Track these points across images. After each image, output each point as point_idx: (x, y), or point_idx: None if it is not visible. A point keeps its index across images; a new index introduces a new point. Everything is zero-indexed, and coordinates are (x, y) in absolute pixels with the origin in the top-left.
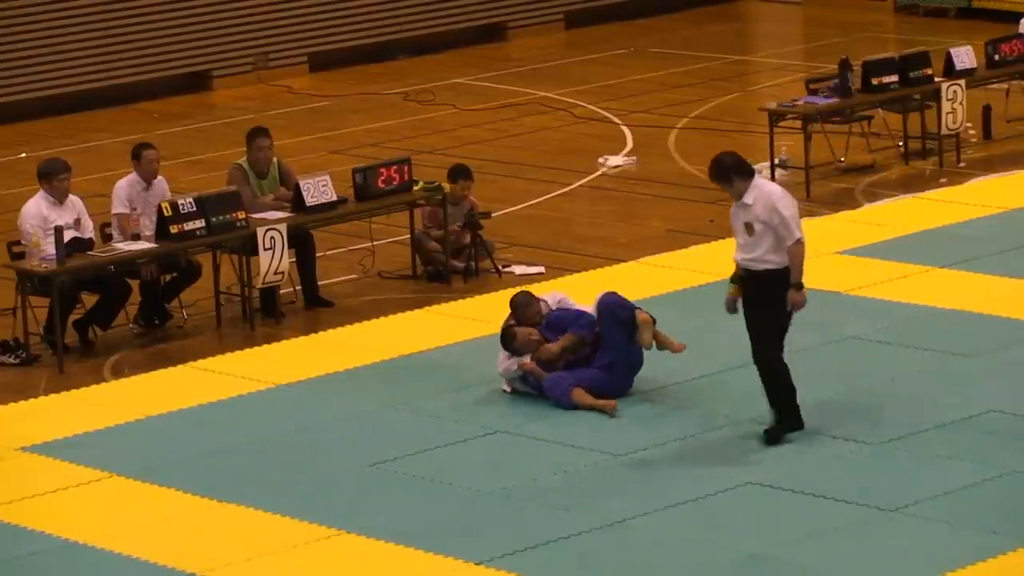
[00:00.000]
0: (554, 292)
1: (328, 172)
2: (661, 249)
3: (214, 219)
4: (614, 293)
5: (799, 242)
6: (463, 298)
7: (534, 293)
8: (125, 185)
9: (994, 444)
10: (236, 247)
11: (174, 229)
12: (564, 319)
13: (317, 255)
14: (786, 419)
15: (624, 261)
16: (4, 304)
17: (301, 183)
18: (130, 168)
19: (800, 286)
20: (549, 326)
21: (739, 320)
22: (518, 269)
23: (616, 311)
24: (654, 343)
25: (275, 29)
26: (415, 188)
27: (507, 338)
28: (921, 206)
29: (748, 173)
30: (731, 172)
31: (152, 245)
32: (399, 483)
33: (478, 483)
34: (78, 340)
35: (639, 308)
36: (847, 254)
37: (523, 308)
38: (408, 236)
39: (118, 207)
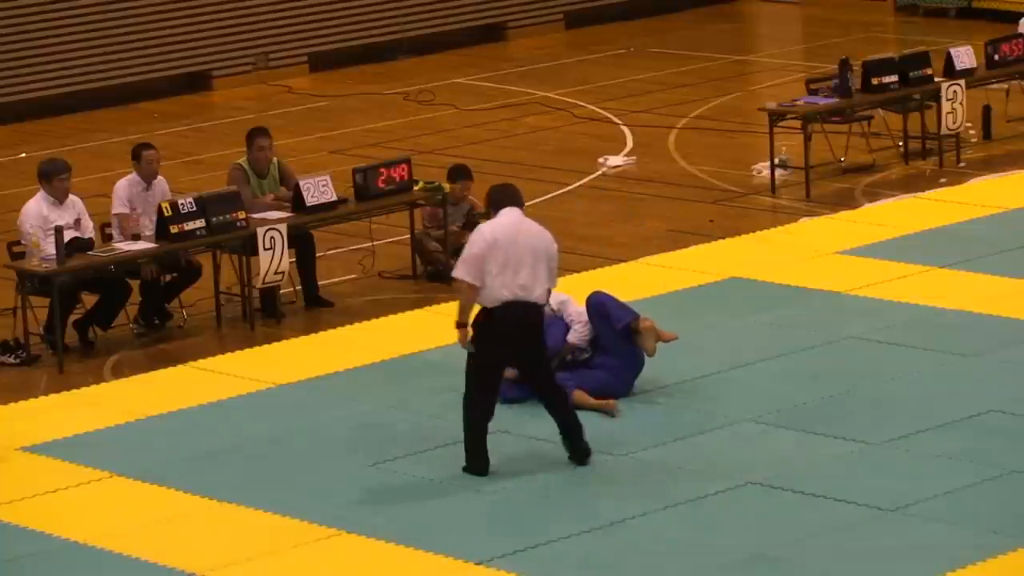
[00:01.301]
0: (556, 294)
1: (328, 172)
2: (661, 249)
3: (214, 219)
4: (603, 293)
5: (454, 280)
6: None
7: None
8: (125, 185)
9: (994, 444)
10: (236, 247)
11: (174, 229)
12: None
13: (317, 255)
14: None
15: (624, 261)
16: (4, 304)
17: (301, 183)
18: (130, 168)
19: (459, 324)
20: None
21: (739, 321)
22: None
23: (611, 313)
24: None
25: (275, 29)
26: (415, 188)
27: None
28: (921, 206)
29: (497, 206)
30: (488, 203)
31: (152, 245)
32: (399, 483)
33: (478, 483)
34: (78, 340)
35: (641, 315)
36: (847, 254)
37: None
38: (408, 236)
39: (118, 207)
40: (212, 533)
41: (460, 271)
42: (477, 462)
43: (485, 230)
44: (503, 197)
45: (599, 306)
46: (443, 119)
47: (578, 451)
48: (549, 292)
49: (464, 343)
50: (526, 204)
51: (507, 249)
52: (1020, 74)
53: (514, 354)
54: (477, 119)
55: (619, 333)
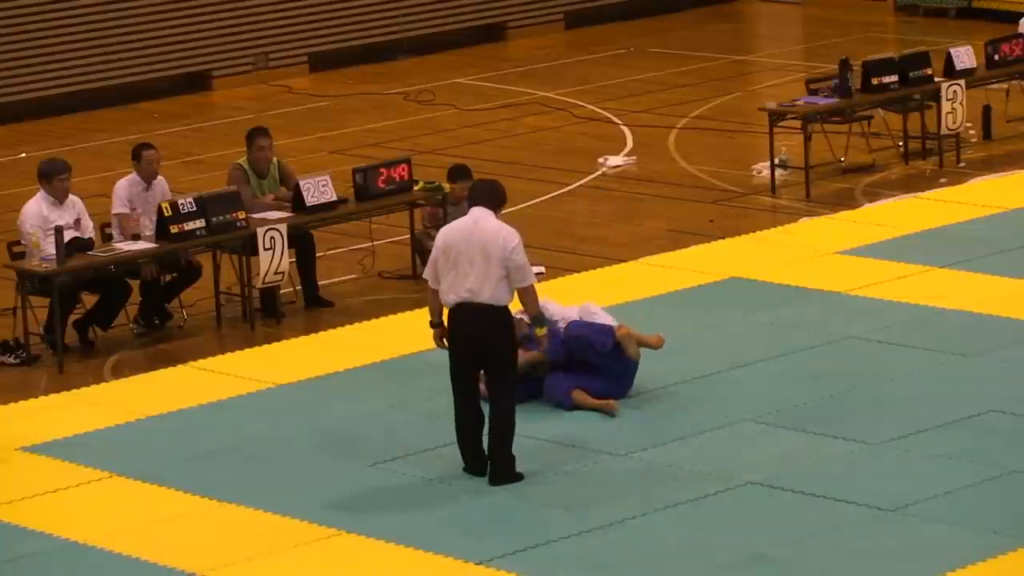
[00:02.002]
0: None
1: (328, 172)
2: (661, 249)
3: (214, 219)
4: (577, 324)
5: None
6: None
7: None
8: (125, 185)
9: (994, 444)
10: (236, 247)
11: (174, 229)
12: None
13: (317, 255)
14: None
15: (624, 261)
16: (4, 304)
17: (301, 183)
18: (130, 168)
19: (431, 324)
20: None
21: (739, 321)
22: None
23: (592, 341)
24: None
25: (275, 29)
26: (415, 188)
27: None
28: (921, 206)
29: (470, 204)
30: (467, 199)
31: (152, 245)
32: (399, 483)
33: (478, 483)
34: (78, 340)
35: (615, 326)
36: (847, 254)
37: None
38: (408, 236)
39: (118, 207)
40: (212, 533)
41: (425, 272)
42: (473, 462)
43: (441, 233)
44: (476, 195)
45: (578, 340)
46: (443, 119)
47: (493, 469)
48: (528, 291)
49: (437, 342)
50: (525, 204)
51: (458, 251)
52: (1020, 74)
53: (471, 357)
54: (477, 119)
55: (608, 353)
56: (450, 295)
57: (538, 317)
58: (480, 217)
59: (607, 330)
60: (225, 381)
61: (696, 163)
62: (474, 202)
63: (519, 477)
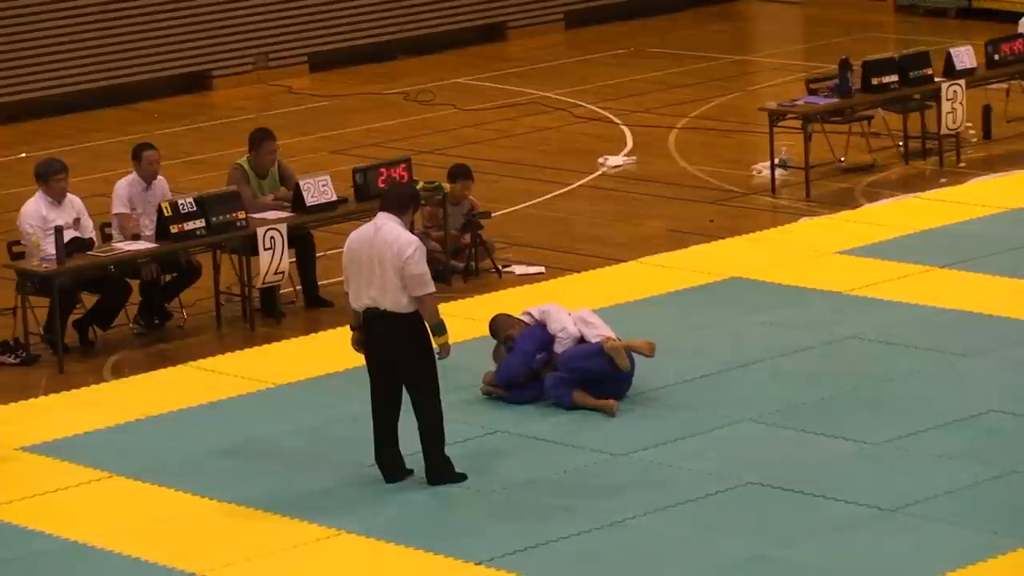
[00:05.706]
0: (543, 305)
1: (328, 172)
2: (661, 249)
3: (214, 219)
4: (568, 354)
5: None
6: (463, 298)
7: (512, 314)
8: (125, 185)
9: (994, 444)
10: (236, 247)
11: (174, 229)
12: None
13: (317, 255)
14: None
15: (624, 261)
16: (4, 304)
17: (301, 183)
18: (130, 168)
19: (350, 327)
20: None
21: (739, 321)
22: (518, 269)
23: (587, 366)
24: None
25: (275, 29)
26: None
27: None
28: (921, 206)
29: (379, 208)
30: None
31: (152, 245)
32: (399, 483)
33: (478, 483)
34: (78, 340)
35: (601, 340)
36: (847, 254)
37: (505, 330)
38: None
39: (118, 207)
40: (212, 533)
41: (344, 276)
42: (389, 473)
43: (347, 239)
44: (383, 200)
45: (572, 369)
46: (443, 119)
47: (427, 472)
48: (425, 300)
49: (353, 346)
50: (525, 204)
51: (360, 258)
52: (1020, 74)
53: (380, 363)
54: (477, 119)
55: (606, 369)
56: (356, 302)
57: (436, 326)
58: (382, 224)
59: (596, 350)
60: (225, 381)
61: (696, 163)
62: (381, 207)
63: (460, 477)
